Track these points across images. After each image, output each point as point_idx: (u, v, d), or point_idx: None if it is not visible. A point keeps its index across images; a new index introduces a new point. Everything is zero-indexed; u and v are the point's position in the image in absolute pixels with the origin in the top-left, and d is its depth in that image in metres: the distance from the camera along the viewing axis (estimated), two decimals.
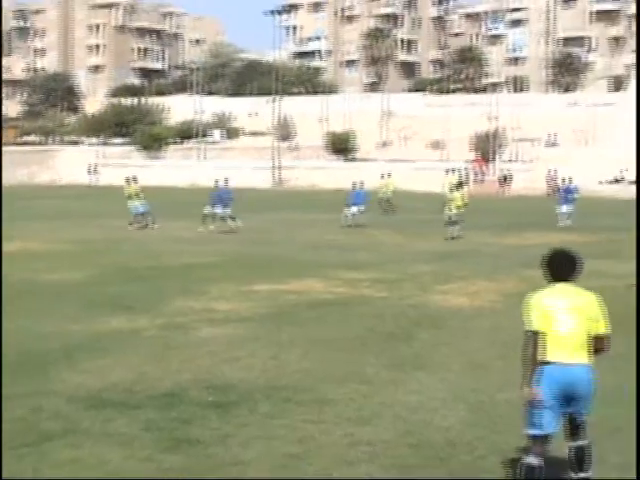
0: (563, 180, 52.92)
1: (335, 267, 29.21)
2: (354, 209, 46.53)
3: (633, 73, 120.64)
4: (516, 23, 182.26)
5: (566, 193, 48.33)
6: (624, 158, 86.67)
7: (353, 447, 11.41)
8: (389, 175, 60.56)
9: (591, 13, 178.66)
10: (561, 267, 9.46)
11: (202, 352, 16.73)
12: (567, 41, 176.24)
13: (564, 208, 47.23)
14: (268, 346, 17.31)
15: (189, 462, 10.96)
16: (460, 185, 47.46)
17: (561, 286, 9.42)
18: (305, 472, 10.63)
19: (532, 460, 9.37)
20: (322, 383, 14.47)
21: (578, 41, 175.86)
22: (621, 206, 54.01)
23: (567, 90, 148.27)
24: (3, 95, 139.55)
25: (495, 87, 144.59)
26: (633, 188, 73.70)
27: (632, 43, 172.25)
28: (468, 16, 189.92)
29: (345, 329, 19.09)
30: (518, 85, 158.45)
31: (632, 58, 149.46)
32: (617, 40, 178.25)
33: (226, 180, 45.33)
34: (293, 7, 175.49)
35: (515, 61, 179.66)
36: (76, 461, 10.95)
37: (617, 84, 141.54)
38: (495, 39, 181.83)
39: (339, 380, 14.66)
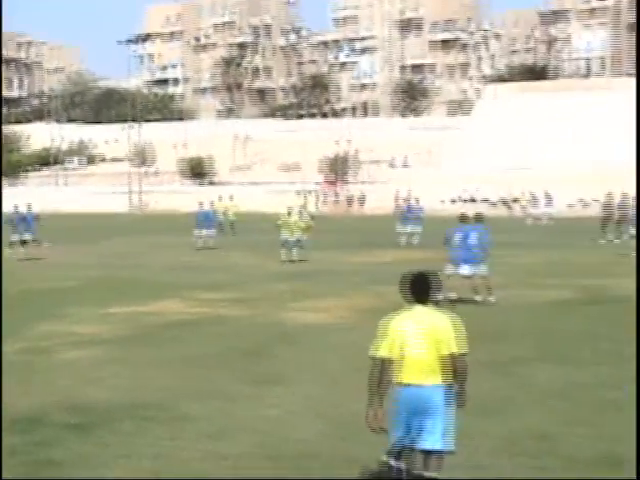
0: (405, 200, 53.50)
1: (192, 288, 29.14)
2: (204, 231, 46.61)
3: (477, 97, 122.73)
4: (365, 51, 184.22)
5: (408, 213, 48.55)
6: (470, 177, 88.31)
7: (211, 462, 11.38)
8: (231, 198, 61.04)
9: (435, 42, 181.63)
10: (418, 289, 9.45)
11: (65, 374, 16.50)
12: (413, 68, 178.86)
13: (408, 228, 47.34)
14: (129, 367, 17.17)
15: None
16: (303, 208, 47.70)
17: (417, 308, 9.43)
18: None
19: (397, 464, 9.43)
20: (183, 401, 14.39)
21: (423, 68, 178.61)
22: None
23: (414, 114, 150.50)
24: None
25: (345, 112, 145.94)
26: (483, 206, 75.12)
27: (471, 70, 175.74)
28: (320, 44, 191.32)
29: (204, 347, 19.03)
30: (368, 110, 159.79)
31: (472, 84, 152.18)
32: (459, 67, 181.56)
33: (29, 205, 43.87)
34: (149, 36, 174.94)
35: (364, 87, 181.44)
36: None
37: (460, 108, 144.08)
38: (345, 66, 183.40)
39: (199, 397, 14.60)
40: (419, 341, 9.22)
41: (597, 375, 15.87)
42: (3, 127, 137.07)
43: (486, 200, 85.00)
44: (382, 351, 9.30)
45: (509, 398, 14.30)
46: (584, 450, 11.66)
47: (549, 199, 70.41)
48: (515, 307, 24.33)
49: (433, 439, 9.20)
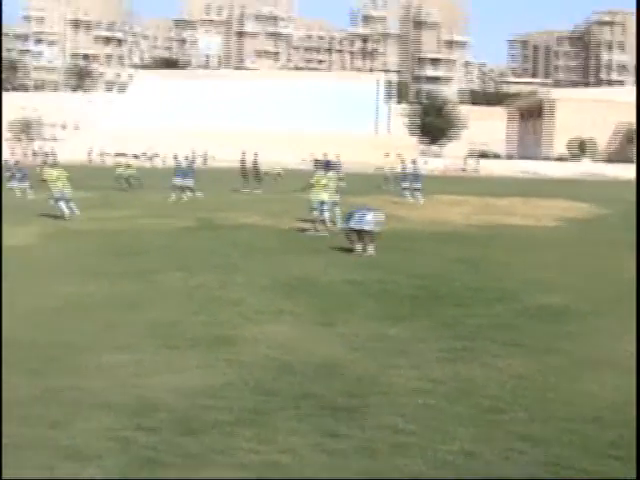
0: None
1: None
2: None
3: (129, 79, 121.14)
4: (46, 42, 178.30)
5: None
6: (124, 137, 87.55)
7: None
8: None
9: (99, 37, 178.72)
10: None
11: None
12: (83, 57, 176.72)
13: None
14: None
15: None
16: None
17: None
18: None
19: None
20: None
21: (90, 57, 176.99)
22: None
23: (85, 90, 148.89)
24: None
25: (31, 87, 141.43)
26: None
27: (136, 59, 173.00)
28: (21, 37, 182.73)
29: None
30: (47, 86, 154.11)
31: (125, 70, 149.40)
32: (120, 58, 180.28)
33: None
34: None
35: (46, 69, 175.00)
36: None
37: (123, 88, 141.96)
38: (30, 53, 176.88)
39: None
40: None
41: (209, 279, 16.13)
42: None
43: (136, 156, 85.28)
44: None
45: (146, 297, 14.21)
46: (203, 333, 11.69)
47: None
48: (153, 232, 24.33)
49: None
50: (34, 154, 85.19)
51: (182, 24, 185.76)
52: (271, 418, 8.17)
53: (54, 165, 31.15)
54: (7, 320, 11.99)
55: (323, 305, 13.69)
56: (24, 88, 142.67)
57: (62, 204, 27.73)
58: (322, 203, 23.76)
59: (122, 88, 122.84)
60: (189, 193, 36.61)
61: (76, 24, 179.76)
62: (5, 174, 40.98)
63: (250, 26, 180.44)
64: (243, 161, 46.13)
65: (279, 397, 8.83)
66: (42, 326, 11.83)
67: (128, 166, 46.47)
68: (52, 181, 28.28)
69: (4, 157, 45.95)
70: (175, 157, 41.04)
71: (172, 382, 9.33)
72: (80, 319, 12.36)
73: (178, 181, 37.04)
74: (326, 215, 23.97)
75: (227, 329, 11.87)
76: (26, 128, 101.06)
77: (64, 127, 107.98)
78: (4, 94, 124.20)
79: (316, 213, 23.83)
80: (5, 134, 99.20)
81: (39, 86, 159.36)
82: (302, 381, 9.42)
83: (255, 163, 45.99)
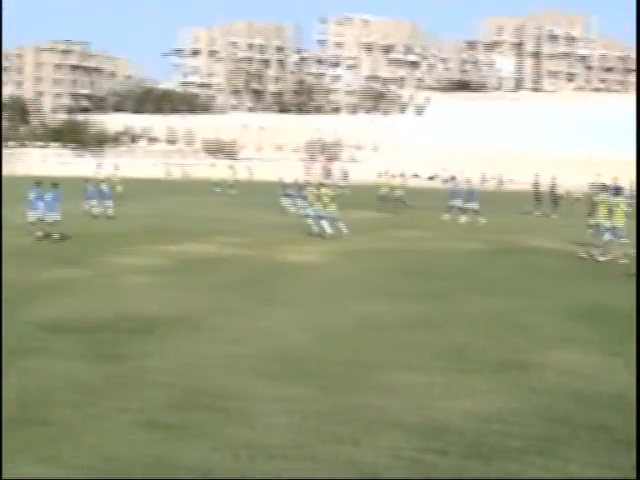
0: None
1: (215, 234, 28.32)
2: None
3: (425, 101, 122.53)
4: (350, 67, 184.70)
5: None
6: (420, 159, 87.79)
7: (229, 360, 11.32)
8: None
9: (394, 60, 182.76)
10: None
11: (124, 294, 16.48)
12: (377, 79, 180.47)
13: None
14: (172, 289, 17.21)
15: (121, 370, 10.72)
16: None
17: None
18: (199, 374, 10.57)
19: None
20: (208, 315, 14.41)
21: (393, 81, 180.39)
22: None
23: (384, 113, 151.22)
24: None
25: (325, 109, 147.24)
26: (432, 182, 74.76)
27: (430, 82, 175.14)
28: (318, 61, 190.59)
29: (225, 277, 19.09)
30: (341, 108, 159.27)
31: (418, 92, 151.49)
32: (420, 80, 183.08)
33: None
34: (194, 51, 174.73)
35: (342, 92, 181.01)
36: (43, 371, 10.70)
37: (419, 110, 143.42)
38: (326, 76, 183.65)
39: (220, 312, 14.64)
40: None
41: (498, 302, 15.99)
42: (82, 115, 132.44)
43: (434, 176, 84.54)
44: None
45: (437, 318, 14.35)
46: (492, 357, 11.62)
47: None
48: (442, 253, 24.48)
49: None
50: (328, 174, 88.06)
51: (474, 45, 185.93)
52: (562, 448, 7.98)
53: (322, 185, 32.38)
54: (303, 336, 12.72)
55: (617, 333, 13.19)
56: (320, 110, 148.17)
57: (324, 223, 28.53)
58: (611, 229, 22.99)
59: (418, 110, 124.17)
60: (468, 217, 36.25)
61: (370, 47, 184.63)
62: (279, 191, 42.30)
63: (546, 47, 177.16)
64: (536, 184, 45.27)
65: (571, 427, 8.60)
66: (337, 344, 12.28)
67: (393, 187, 45.77)
68: (312, 200, 29.64)
69: (295, 176, 47.37)
70: (453, 178, 40.88)
71: (461, 405, 9.35)
72: (372, 338, 12.69)
73: (457, 202, 37.25)
74: (618, 241, 23.12)
75: (517, 353, 11.73)
76: (322, 149, 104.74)
77: (359, 148, 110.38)
78: (301, 116, 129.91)
79: (606, 237, 23.09)
80: (301, 154, 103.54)
81: (335, 109, 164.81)
82: (595, 411, 9.13)
83: (553, 187, 44.95)
